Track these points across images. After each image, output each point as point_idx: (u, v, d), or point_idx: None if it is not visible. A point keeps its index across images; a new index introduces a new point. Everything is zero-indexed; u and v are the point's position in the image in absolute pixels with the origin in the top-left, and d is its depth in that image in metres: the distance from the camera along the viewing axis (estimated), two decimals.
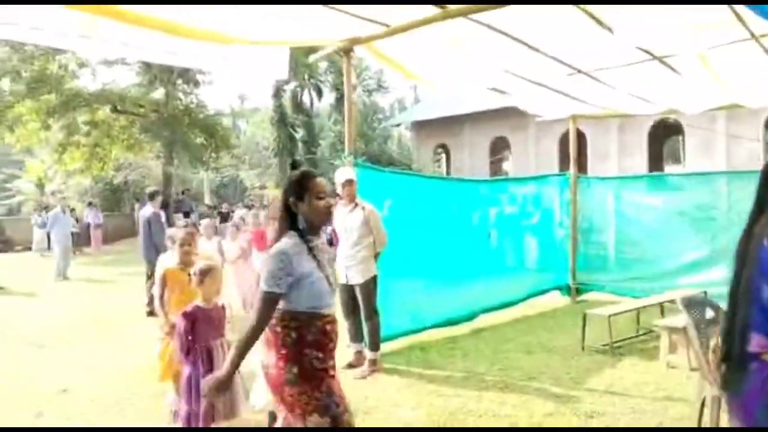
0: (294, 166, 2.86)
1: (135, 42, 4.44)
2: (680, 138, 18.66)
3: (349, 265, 5.49)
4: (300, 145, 30.13)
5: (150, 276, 7.84)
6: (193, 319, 3.64)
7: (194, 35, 4.27)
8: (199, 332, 3.65)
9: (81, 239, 19.95)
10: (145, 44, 4.49)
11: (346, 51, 5.48)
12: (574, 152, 8.82)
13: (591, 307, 6.83)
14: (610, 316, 5.97)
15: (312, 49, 14.40)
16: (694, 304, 3.85)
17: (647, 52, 5.25)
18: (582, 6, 4.15)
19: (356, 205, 5.48)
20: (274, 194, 25.69)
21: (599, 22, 4.41)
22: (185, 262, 4.22)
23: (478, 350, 6.06)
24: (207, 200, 28.49)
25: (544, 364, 5.58)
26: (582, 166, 9.17)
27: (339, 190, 5.57)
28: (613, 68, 5.91)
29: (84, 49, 14.72)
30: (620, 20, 4.41)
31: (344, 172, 5.56)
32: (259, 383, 3.09)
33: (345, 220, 5.55)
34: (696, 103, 7.13)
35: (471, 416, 4.34)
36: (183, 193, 26.59)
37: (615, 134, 18.95)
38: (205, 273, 3.66)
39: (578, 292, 8.73)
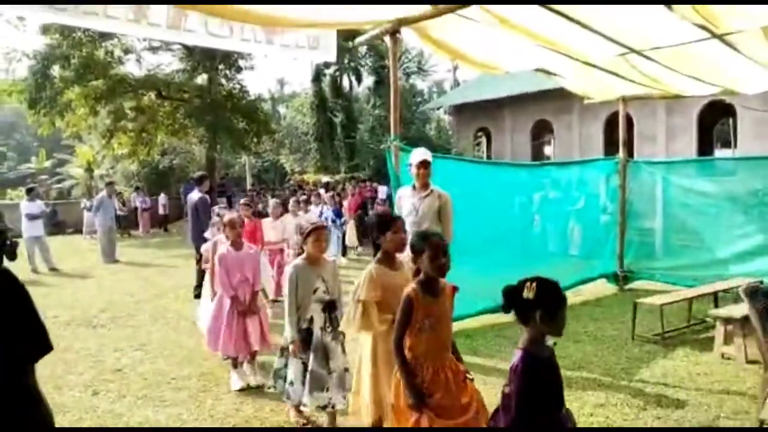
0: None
1: (183, 26, 4.48)
2: (731, 120, 17.89)
3: None
4: (339, 129, 30.14)
5: (198, 260, 7.96)
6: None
7: (243, 19, 4.27)
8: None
9: (129, 222, 20.51)
10: (194, 28, 4.52)
11: (393, 33, 5.40)
12: (623, 136, 8.57)
13: (639, 296, 6.66)
14: (662, 305, 5.80)
15: (354, 33, 14.31)
16: (757, 294, 3.69)
17: (706, 29, 5.01)
18: None
19: (431, 191, 5.19)
20: (314, 179, 25.89)
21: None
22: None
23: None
24: (249, 185, 28.83)
25: (593, 354, 5.48)
26: (628, 150, 8.88)
27: (412, 171, 5.23)
28: (668, 47, 5.67)
29: (134, 33, 14.99)
30: None
31: (422, 152, 5.24)
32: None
33: (417, 205, 5.20)
34: (756, 82, 6.80)
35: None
36: (224, 177, 26.99)
37: (663, 116, 18.34)
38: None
39: (626, 280, 8.51)
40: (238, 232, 5.05)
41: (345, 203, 14.48)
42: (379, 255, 3.42)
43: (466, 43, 5.38)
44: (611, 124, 18.97)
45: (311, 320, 3.87)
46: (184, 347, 6.09)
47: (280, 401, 4.47)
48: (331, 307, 3.90)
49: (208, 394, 4.73)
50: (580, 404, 4.27)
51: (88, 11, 3.77)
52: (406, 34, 5.55)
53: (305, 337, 3.85)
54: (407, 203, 5.26)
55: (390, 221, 3.47)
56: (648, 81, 6.93)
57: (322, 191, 16.05)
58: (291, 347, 3.88)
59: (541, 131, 23.50)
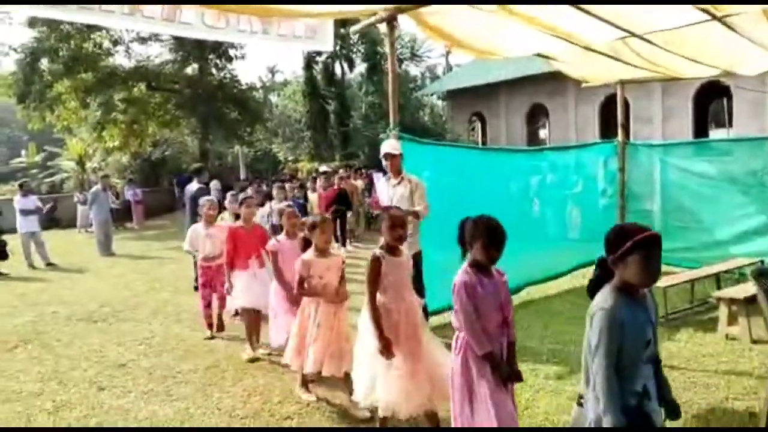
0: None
1: (179, 19, 4.40)
2: (726, 101, 17.91)
3: None
4: (332, 117, 29.95)
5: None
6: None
7: (238, 10, 4.19)
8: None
9: (123, 215, 20.36)
10: (189, 20, 4.44)
11: (390, 20, 5.33)
12: (622, 118, 8.54)
13: None
14: (665, 287, 5.81)
15: (347, 20, 14.16)
16: (765, 275, 3.69)
17: (707, 11, 4.97)
18: None
19: (402, 178, 5.41)
20: (308, 168, 25.76)
21: None
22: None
23: (529, 323, 5.99)
24: (243, 174, 28.67)
25: None
26: (625, 132, 8.86)
27: (383, 162, 5.52)
28: (668, 30, 5.63)
29: (129, 26, 14.84)
30: None
31: (388, 144, 5.46)
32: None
33: (390, 194, 5.48)
34: (754, 63, 6.77)
35: (528, 391, 4.30)
36: (219, 167, 26.81)
37: (659, 98, 18.34)
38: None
39: None
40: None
41: (312, 196, 12.26)
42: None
43: (464, 30, 5.31)
44: (607, 106, 18.95)
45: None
46: (186, 341, 6.07)
47: (287, 392, 4.48)
48: None
49: (214, 387, 4.71)
50: None
51: (83, 6, 3.70)
52: (402, 20, 5.49)
53: None
54: (384, 193, 5.64)
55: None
56: (647, 64, 6.88)
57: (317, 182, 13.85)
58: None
59: (537, 115, 23.46)
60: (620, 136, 8.58)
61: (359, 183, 15.12)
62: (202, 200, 6.40)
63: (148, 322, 6.98)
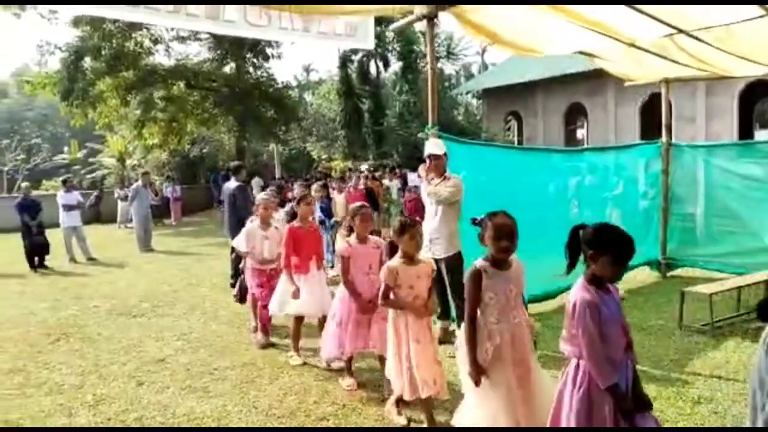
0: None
1: (222, 17, 4.42)
2: None
3: (434, 238, 5.39)
4: (367, 116, 30.02)
5: (234, 248, 7.98)
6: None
7: (281, 8, 4.19)
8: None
9: (161, 211, 20.77)
10: (232, 18, 4.46)
11: (430, 17, 5.27)
12: (666, 118, 8.32)
13: (684, 284, 6.47)
14: (711, 294, 5.61)
15: (385, 18, 14.12)
16: None
17: (764, 6, 4.77)
18: None
19: (445, 178, 5.34)
20: (342, 166, 25.84)
21: None
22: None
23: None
24: (278, 173, 28.95)
25: (640, 345, 5.31)
26: (668, 133, 8.62)
27: (428, 163, 5.46)
28: (719, 27, 5.43)
29: (173, 24, 15.06)
30: None
31: (434, 144, 5.39)
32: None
33: (432, 194, 5.43)
34: None
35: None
36: (254, 165, 27.11)
37: (702, 97, 17.83)
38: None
39: (668, 267, 8.28)
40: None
41: (339, 198, 11.53)
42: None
43: (506, 27, 5.21)
44: (648, 106, 18.51)
45: None
46: (224, 337, 6.12)
47: (324, 392, 4.47)
48: None
49: (250, 385, 4.73)
50: None
51: (129, 5, 3.75)
52: (442, 18, 5.42)
53: None
54: (425, 193, 5.56)
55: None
56: (694, 62, 6.66)
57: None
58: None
59: (574, 115, 23.05)
60: (664, 137, 8.34)
61: (394, 183, 14.87)
62: (258, 198, 6.04)
63: (186, 318, 7.06)
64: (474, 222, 3.27)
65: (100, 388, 4.74)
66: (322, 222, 9.53)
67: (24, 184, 12.64)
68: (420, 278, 3.76)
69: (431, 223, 5.42)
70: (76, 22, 20.24)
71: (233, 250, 8.20)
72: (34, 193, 14.83)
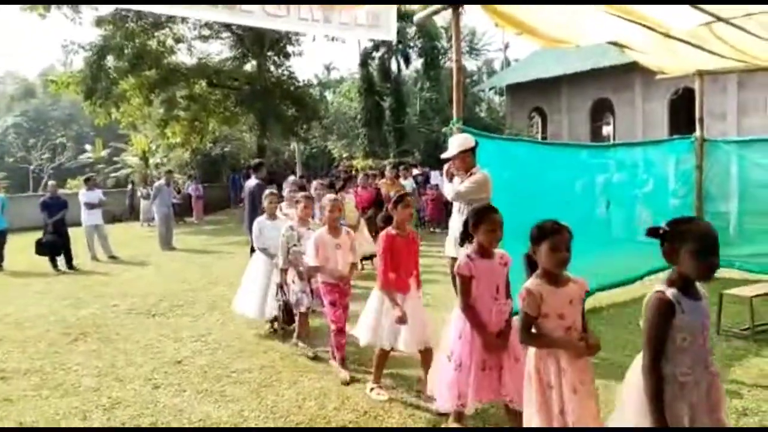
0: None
1: (240, 7, 4.26)
2: None
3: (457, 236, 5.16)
4: (388, 113, 29.78)
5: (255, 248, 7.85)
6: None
7: None
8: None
9: (183, 210, 20.87)
10: (251, 9, 4.29)
11: (455, 8, 5.05)
12: (700, 112, 8.02)
13: (720, 285, 6.15)
14: (752, 297, 5.32)
15: (405, 15, 13.88)
16: None
17: None
18: None
19: (471, 174, 5.08)
20: (362, 165, 25.70)
21: None
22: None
23: (599, 332, 5.56)
24: (299, 171, 28.94)
25: None
26: (693, 128, 8.29)
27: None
28: (760, 14, 5.13)
29: (190, 14, 14.99)
30: None
31: (457, 141, 5.13)
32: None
33: (451, 191, 5.21)
34: None
35: (603, 410, 3.94)
36: (273, 165, 27.11)
37: (734, 92, 17.29)
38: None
39: None
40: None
41: (347, 197, 10.03)
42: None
43: (537, 16, 4.98)
44: (676, 101, 18.03)
45: None
46: (242, 338, 5.98)
47: (345, 398, 4.29)
48: None
49: (269, 389, 4.57)
50: None
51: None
52: (466, 9, 5.21)
53: None
54: (446, 190, 5.33)
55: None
56: (733, 52, 6.34)
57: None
58: None
59: (600, 110, 22.60)
60: (698, 132, 8.02)
61: (410, 182, 13.97)
62: (325, 200, 5.06)
63: (204, 317, 6.96)
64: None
65: (116, 391, 4.63)
66: None
67: (51, 182, 12.69)
68: (572, 303, 2.82)
69: (456, 221, 5.21)
70: (99, 21, 20.40)
71: (253, 248, 8.08)
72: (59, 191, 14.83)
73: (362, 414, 4.03)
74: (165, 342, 5.95)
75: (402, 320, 3.98)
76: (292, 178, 17.13)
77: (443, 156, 5.26)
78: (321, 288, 4.97)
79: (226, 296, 8.03)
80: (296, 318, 5.56)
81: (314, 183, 8.05)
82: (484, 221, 3.33)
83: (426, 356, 4.09)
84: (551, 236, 2.77)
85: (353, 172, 16.15)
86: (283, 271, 5.56)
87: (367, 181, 11.70)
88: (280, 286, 5.61)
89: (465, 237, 3.43)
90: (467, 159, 5.08)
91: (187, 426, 3.97)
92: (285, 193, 7.43)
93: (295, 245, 5.43)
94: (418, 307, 4.23)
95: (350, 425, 3.89)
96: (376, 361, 4.35)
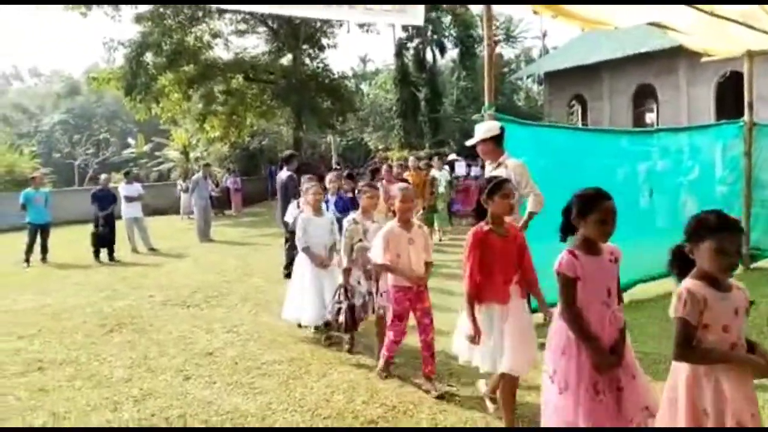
0: None
1: None
2: None
3: None
4: (423, 104, 29.56)
5: (287, 239, 7.83)
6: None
7: None
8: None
9: (222, 202, 21.14)
10: None
11: None
12: (749, 96, 7.62)
13: None
14: None
15: (436, 7, 13.62)
16: None
17: None
18: None
19: (500, 163, 4.88)
20: (398, 156, 25.57)
21: None
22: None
23: (642, 325, 5.36)
24: (335, 163, 29.04)
25: None
26: (741, 113, 7.87)
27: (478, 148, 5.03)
28: None
29: (221, 3, 15.11)
30: None
31: (483, 128, 4.94)
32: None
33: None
34: None
35: None
36: (310, 157, 27.26)
37: None
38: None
39: (752, 258, 7.58)
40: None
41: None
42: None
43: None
44: (723, 85, 17.29)
45: None
46: (273, 330, 5.96)
47: (373, 392, 4.21)
48: None
49: (297, 381, 4.52)
50: None
51: None
52: None
53: None
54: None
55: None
56: None
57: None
58: None
59: (643, 96, 21.85)
60: (747, 116, 7.62)
61: (443, 173, 12.97)
62: (395, 188, 4.50)
63: (237, 309, 6.97)
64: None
65: (147, 382, 4.65)
66: (338, 220, 7.16)
67: (103, 176, 13.06)
68: (738, 314, 2.30)
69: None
70: (138, 18, 20.77)
71: (287, 240, 8.06)
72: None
73: (391, 408, 3.94)
74: (197, 333, 5.98)
75: (472, 339, 3.32)
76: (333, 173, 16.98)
77: (467, 143, 5.13)
78: (391, 292, 4.34)
79: (260, 287, 8.09)
80: (359, 324, 5.00)
81: (329, 175, 7.50)
82: (593, 210, 2.68)
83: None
84: (718, 234, 2.25)
85: (381, 164, 15.60)
86: (347, 271, 4.90)
87: (395, 172, 10.95)
88: (344, 289, 4.92)
89: (566, 229, 2.83)
90: (492, 146, 4.87)
91: (215, 419, 3.94)
92: (327, 185, 7.15)
93: (360, 240, 4.85)
94: (523, 320, 3.46)
95: (379, 420, 3.79)
96: (501, 396, 3.51)
